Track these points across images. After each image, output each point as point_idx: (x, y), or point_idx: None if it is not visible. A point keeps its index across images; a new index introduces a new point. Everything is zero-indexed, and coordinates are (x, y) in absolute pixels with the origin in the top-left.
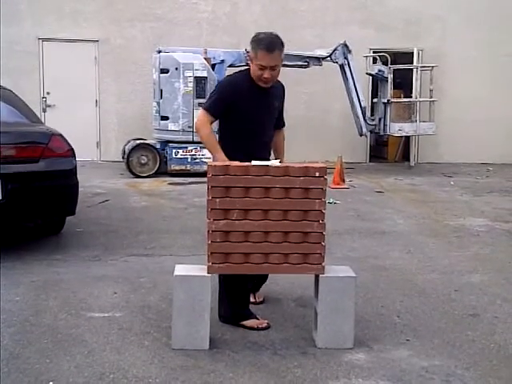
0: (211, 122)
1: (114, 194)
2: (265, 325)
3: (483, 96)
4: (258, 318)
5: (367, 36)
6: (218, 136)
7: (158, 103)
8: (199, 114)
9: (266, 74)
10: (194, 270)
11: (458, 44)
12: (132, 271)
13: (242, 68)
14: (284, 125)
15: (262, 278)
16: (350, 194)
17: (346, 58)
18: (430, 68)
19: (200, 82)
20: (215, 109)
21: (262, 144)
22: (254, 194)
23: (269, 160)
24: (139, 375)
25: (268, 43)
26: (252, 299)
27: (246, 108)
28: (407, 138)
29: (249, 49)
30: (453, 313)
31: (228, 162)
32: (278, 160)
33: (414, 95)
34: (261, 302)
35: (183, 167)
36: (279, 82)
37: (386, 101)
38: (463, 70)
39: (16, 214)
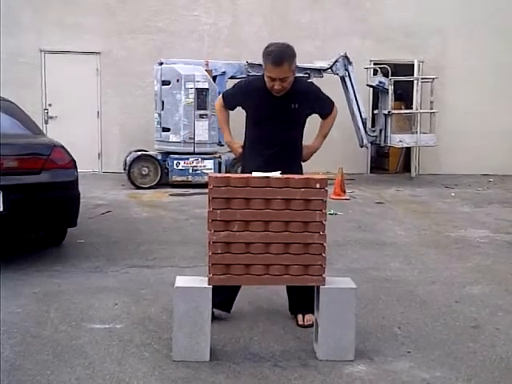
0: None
1: (115, 206)
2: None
3: (484, 107)
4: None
5: (368, 48)
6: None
7: (160, 115)
8: (219, 97)
9: (277, 85)
10: (194, 281)
11: (458, 55)
12: (133, 283)
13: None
14: (330, 111)
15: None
16: (351, 205)
17: (346, 69)
18: (430, 80)
19: (201, 93)
20: (228, 100)
21: (278, 148)
22: (255, 205)
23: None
24: None
25: (275, 56)
26: (300, 321)
27: (257, 109)
28: (408, 149)
29: (250, 61)
30: (454, 324)
31: (228, 175)
32: (279, 172)
33: (414, 107)
34: (309, 326)
35: (184, 178)
36: (305, 82)
37: (386, 112)
38: (464, 82)
39: (17, 225)
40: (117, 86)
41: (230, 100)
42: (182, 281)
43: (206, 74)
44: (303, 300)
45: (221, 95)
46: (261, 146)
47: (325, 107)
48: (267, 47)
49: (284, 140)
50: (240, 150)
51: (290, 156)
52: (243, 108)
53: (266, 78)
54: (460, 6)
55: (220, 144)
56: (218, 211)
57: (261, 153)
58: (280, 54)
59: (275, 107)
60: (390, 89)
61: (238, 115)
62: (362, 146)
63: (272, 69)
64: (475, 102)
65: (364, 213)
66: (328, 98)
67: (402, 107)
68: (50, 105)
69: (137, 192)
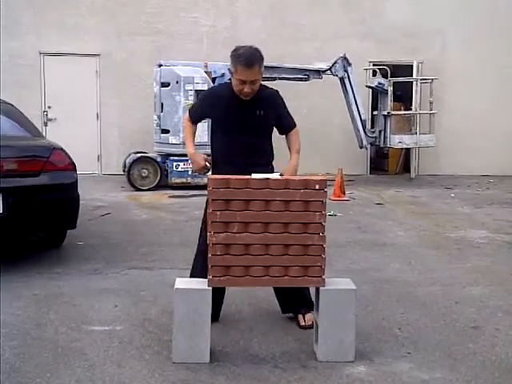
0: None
1: (114, 207)
2: None
3: (483, 108)
4: None
5: (367, 49)
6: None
7: (159, 116)
8: (187, 112)
9: (246, 88)
10: (194, 283)
11: (457, 56)
12: (133, 284)
13: None
14: (293, 126)
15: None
16: (351, 207)
17: (345, 70)
18: (429, 80)
19: None
20: (194, 114)
21: (248, 155)
22: (255, 206)
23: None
24: None
25: (247, 59)
26: (302, 323)
27: (223, 117)
28: (408, 150)
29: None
30: (454, 325)
31: (228, 176)
32: (279, 173)
33: (413, 107)
34: (310, 327)
35: (184, 180)
36: (271, 89)
37: (386, 113)
38: (463, 82)
39: (17, 228)
40: (116, 87)
41: (195, 114)
42: (181, 282)
43: (206, 75)
44: (298, 298)
45: (187, 110)
46: (231, 154)
47: (287, 121)
48: (236, 50)
49: (253, 146)
50: (202, 163)
51: (261, 163)
52: (209, 118)
53: (235, 82)
54: (459, 7)
55: None
56: (218, 213)
57: (232, 160)
58: (251, 57)
59: (241, 113)
60: (390, 90)
61: None
62: (361, 147)
63: (243, 71)
64: (475, 102)
65: (364, 214)
66: (291, 116)
67: (402, 108)
68: (49, 107)
69: (136, 194)
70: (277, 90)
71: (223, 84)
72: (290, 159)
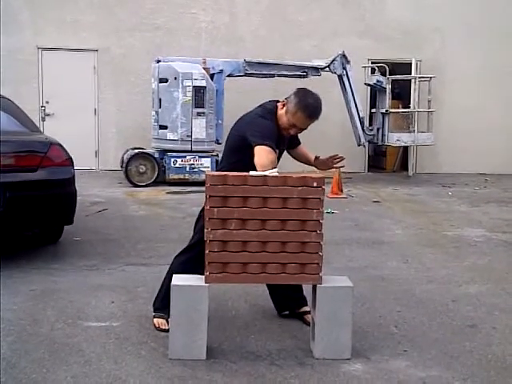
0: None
1: (112, 203)
2: (162, 327)
3: (481, 106)
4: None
5: (366, 46)
6: (223, 166)
7: (157, 112)
8: (265, 150)
9: (293, 132)
10: (191, 279)
11: (456, 54)
12: (130, 280)
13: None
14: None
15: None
16: (348, 204)
17: (344, 68)
18: (428, 78)
19: (199, 91)
20: (273, 145)
21: None
22: (252, 203)
23: None
24: None
25: (312, 110)
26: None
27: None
28: (405, 148)
29: (248, 59)
30: (450, 323)
31: (225, 173)
32: (276, 170)
33: (412, 105)
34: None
35: (182, 176)
36: None
37: (384, 111)
38: (461, 81)
39: (14, 223)
40: (114, 83)
41: (274, 145)
42: (178, 279)
43: (204, 71)
44: (293, 296)
45: (266, 148)
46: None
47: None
48: (305, 95)
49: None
50: None
51: None
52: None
53: (285, 119)
54: (458, 5)
55: (217, 142)
56: (215, 209)
57: None
58: (317, 110)
59: (282, 145)
60: (388, 88)
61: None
62: (359, 145)
63: (304, 120)
64: (473, 101)
65: (361, 211)
66: None
67: (400, 106)
68: (47, 102)
69: (134, 190)
70: None
71: (270, 113)
72: (316, 156)
